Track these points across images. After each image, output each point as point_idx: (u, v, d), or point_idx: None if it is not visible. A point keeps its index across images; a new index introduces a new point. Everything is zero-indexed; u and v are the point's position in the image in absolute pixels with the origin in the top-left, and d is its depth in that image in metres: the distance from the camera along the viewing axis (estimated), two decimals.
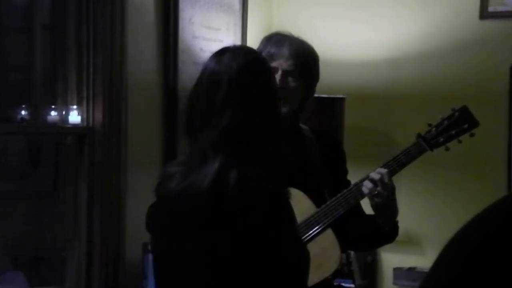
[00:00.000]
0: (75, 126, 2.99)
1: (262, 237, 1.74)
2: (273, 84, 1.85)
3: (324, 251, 2.24)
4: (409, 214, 3.22)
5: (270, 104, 1.81)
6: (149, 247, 2.93)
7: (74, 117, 2.98)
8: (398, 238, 2.35)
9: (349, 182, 2.36)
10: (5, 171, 3.11)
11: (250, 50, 1.90)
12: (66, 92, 3.02)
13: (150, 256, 2.97)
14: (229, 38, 3.56)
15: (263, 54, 2.26)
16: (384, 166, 2.25)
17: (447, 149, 2.34)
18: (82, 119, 2.99)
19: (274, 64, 2.28)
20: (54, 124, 2.98)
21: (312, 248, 2.07)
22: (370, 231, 2.29)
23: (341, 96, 3.61)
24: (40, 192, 3.13)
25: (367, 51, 3.76)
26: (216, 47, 3.49)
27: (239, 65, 1.78)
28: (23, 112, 2.95)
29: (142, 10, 3.15)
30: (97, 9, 2.98)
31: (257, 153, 1.77)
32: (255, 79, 1.80)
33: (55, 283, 3.04)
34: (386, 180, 2.20)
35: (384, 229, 2.26)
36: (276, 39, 2.37)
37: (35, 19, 3.02)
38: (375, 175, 2.21)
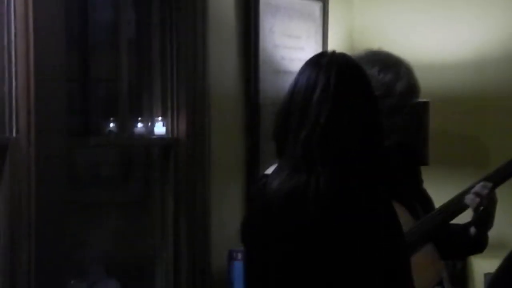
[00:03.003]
0: (160, 137, 3.06)
1: (372, 245, 1.71)
2: (371, 90, 1.81)
3: (428, 262, 2.23)
4: (501, 218, 3.14)
5: (369, 109, 1.78)
6: (241, 255, 2.97)
7: (159, 128, 3.06)
8: (489, 243, 2.33)
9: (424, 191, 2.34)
10: (95, 181, 3.20)
11: (347, 55, 1.86)
12: (151, 105, 3.09)
13: (236, 263, 3.01)
14: (310, 46, 3.58)
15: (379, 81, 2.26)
16: (486, 179, 2.23)
17: None
18: (167, 131, 3.06)
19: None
20: (140, 136, 3.06)
21: (418, 259, 2.11)
22: (461, 242, 2.27)
23: (425, 100, 3.57)
24: (130, 202, 3.21)
25: (452, 53, 3.70)
26: (297, 55, 3.54)
27: (339, 68, 1.77)
28: (111, 125, 3.03)
29: (223, 22, 3.20)
30: (180, 23, 3.04)
31: (360, 157, 1.74)
32: (352, 82, 1.78)
33: None
34: (491, 194, 2.20)
35: (477, 239, 2.24)
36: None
37: (121, 34, 3.10)
38: (481, 190, 2.20)
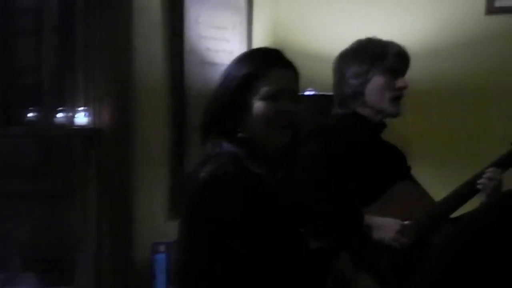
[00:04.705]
0: (83, 127, 3.00)
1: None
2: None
3: None
4: None
5: None
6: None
7: (82, 118, 3.00)
8: None
9: None
10: (14, 172, 3.14)
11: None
12: (74, 94, 3.03)
13: (159, 256, 2.99)
14: (235, 37, 3.57)
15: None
16: (494, 165, 2.38)
17: None
18: (89, 121, 3.01)
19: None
20: (62, 126, 3.00)
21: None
22: None
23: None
24: (50, 193, 3.16)
25: None
26: (222, 46, 3.52)
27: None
28: (31, 114, 2.96)
29: (148, 11, 3.16)
30: (104, 12, 2.99)
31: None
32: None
33: (65, 284, 3.06)
34: (501, 179, 2.35)
35: None
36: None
37: (43, 21, 3.03)
38: (494, 174, 2.34)
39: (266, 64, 1.90)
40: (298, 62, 3.45)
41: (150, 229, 3.07)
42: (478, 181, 2.37)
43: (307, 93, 3.35)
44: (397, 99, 2.49)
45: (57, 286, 3.03)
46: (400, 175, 2.49)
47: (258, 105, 1.87)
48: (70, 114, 3.02)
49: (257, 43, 3.64)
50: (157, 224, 3.13)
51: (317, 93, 3.35)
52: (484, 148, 3.40)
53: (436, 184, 3.62)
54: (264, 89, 1.87)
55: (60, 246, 3.10)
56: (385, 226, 2.27)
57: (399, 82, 2.49)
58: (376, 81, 2.46)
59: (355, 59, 2.49)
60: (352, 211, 2.27)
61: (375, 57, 2.47)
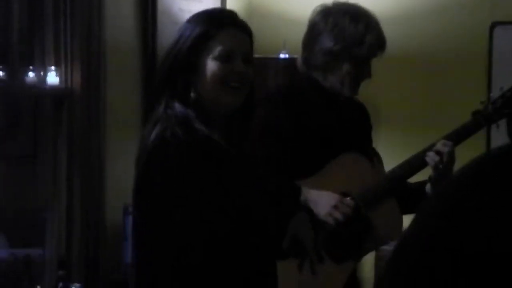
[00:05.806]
0: (53, 88, 2.96)
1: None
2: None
3: (388, 220, 2.28)
4: None
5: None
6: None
7: (53, 78, 2.96)
8: None
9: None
10: None
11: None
12: (43, 54, 2.98)
13: (131, 218, 2.98)
14: None
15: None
16: (446, 138, 2.29)
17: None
18: (60, 81, 2.97)
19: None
20: (32, 86, 2.95)
21: (376, 217, 2.24)
22: (417, 198, 2.30)
23: None
24: (19, 154, 3.12)
25: None
26: (195, 7, 3.47)
27: None
28: (0, 74, 2.91)
29: None
30: None
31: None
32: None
33: (35, 245, 3.04)
34: (452, 152, 2.26)
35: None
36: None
37: None
38: (442, 148, 2.25)
39: (220, 24, 1.87)
40: (271, 25, 3.44)
41: (122, 191, 3.05)
42: (427, 153, 2.28)
43: (281, 56, 3.34)
44: (357, 83, 2.39)
45: (27, 248, 3.01)
46: (358, 141, 2.41)
47: (210, 65, 1.84)
48: (41, 74, 2.98)
49: (230, 5, 3.60)
50: (129, 186, 3.11)
51: (290, 56, 3.34)
52: (453, 114, 3.42)
53: (405, 150, 3.65)
54: (217, 49, 1.84)
55: (30, 208, 3.08)
56: (321, 200, 2.18)
57: (365, 73, 2.36)
58: (344, 67, 2.35)
59: (331, 34, 2.32)
60: (288, 186, 2.21)
61: (351, 42, 2.29)
